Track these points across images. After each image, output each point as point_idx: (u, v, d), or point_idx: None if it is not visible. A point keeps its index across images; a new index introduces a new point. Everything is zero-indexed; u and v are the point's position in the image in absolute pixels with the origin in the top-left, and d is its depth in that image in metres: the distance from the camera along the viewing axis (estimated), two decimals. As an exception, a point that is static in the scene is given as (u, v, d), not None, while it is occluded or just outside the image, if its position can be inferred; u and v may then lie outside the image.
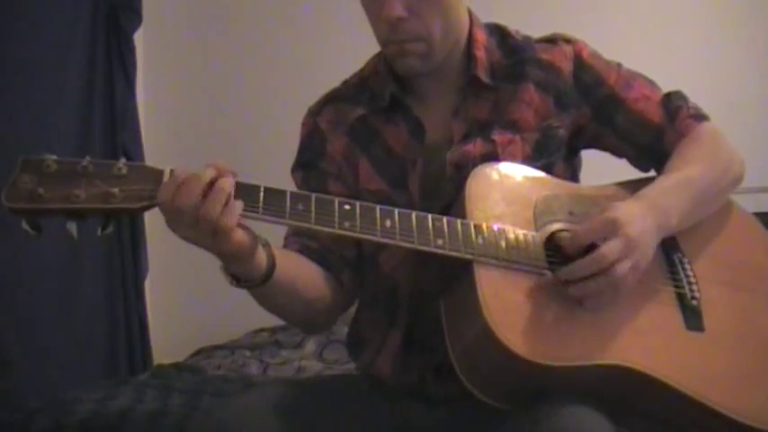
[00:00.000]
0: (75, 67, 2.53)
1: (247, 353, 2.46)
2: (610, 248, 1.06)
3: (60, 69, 2.46)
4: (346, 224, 1.06)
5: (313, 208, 1.05)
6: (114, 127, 2.68)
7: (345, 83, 1.39)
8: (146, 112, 2.98)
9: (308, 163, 1.35)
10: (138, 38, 2.84)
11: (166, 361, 2.42)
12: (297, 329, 2.56)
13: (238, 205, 1.00)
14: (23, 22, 2.28)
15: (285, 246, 1.27)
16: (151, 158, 2.82)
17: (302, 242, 1.26)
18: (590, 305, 1.09)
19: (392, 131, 1.30)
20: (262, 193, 1.04)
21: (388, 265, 1.27)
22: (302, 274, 1.21)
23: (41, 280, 2.29)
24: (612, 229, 1.08)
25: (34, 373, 2.19)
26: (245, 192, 1.03)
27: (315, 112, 1.38)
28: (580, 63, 1.30)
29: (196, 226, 0.99)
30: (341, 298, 1.28)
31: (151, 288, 2.90)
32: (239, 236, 1.01)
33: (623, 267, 1.07)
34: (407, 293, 1.26)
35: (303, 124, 1.39)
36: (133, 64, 2.78)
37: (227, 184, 1.00)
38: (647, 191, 1.18)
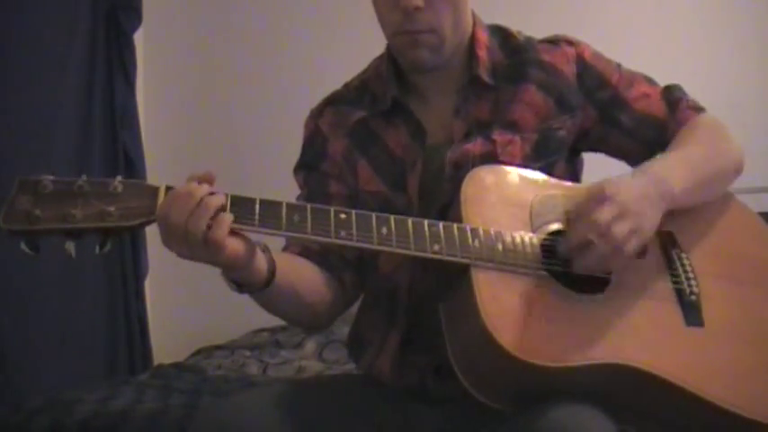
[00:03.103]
0: (75, 67, 2.53)
1: (247, 353, 2.46)
2: (600, 211, 1.07)
3: (60, 69, 2.47)
4: (342, 233, 1.07)
5: (309, 218, 1.06)
6: (114, 127, 2.68)
7: (346, 85, 1.40)
8: (146, 112, 2.98)
9: (310, 164, 1.36)
10: (138, 38, 2.84)
11: (166, 361, 2.42)
12: (298, 329, 2.58)
13: (228, 218, 1.01)
14: (23, 23, 2.28)
15: (286, 248, 1.28)
16: (151, 159, 2.82)
17: (303, 244, 1.26)
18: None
19: (392, 134, 1.30)
20: (258, 206, 1.04)
21: (387, 266, 1.28)
22: (303, 277, 1.22)
23: (42, 280, 2.29)
24: (601, 198, 1.08)
25: (34, 373, 2.19)
26: (240, 205, 1.04)
27: (316, 114, 1.38)
28: (583, 65, 1.30)
29: (185, 241, 1.00)
30: (341, 298, 1.29)
31: (151, 288, 2.90)
32: (233, 246, 1.02)
33: (621, 229, 1.07)
34: (406, 294, 1.26)
35: (305, 126, 1.40)
36: (133, 64, 2.78)
37: (214, 201, 1.01)
38: (646, 165, 1.18)
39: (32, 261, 2.16)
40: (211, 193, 1.02)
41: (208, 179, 1.03)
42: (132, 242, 2.72)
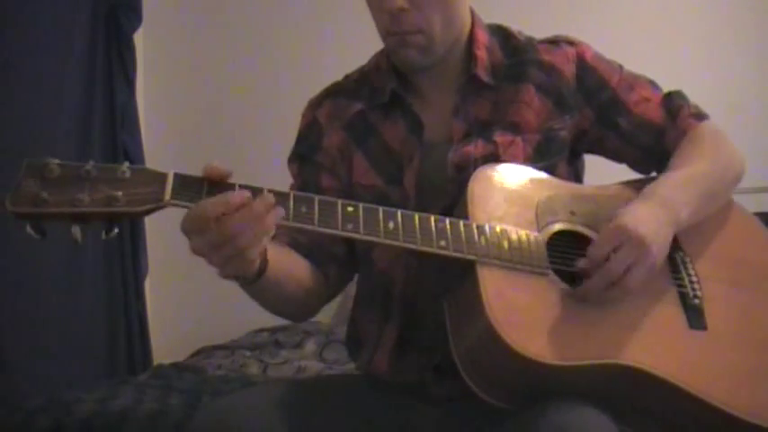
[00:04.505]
0: (75, 67, 2.53)
1: (247, 353, 2.45)
2: (619, 260, 1.07)
3: (60, 69, 2.47)
4: (349, 226, 1.06)
5: (316, 210, 1.05)
6: (114, 127, 2.69)
7: (347, 77, 1.40)
8: (146, 112, 2.98)
9: (304, 155, 1.36)
10: (138, 38, 2.84)
11: (166, 361, 2.41)
12: (298, 329, 2.58)
13: (266, 240, 1.00)
14: (23, 22, 2.28)
15: (275, 236, 1.27)
16: (151, 158, 2.82)
17: (291, 235, 1.26)
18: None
19: (390, 128, 1.30)
20: None
21: (381, 262, 1.28)
22: (292, 270, 1.22)
23: (41, 280, 2.29)
24: (621, 235, 1.08)
25: (34, 373, 2.19)
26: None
27: (315, 104, 1.38)
28: (583, 66, 1.30)
29: (220, 248, 0.97)
30: (324, 292, 1.30)
31: (151, 288, 2.90)
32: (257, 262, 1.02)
33: (638, 274, 1.08)
34: (401, 289, 1.26)
35: (303, 116, 1.40)
36: (133, 64, 2.78)
37: (273, 220, 0.99)
38: (654, 187, 1.18)
39: (32, 261, 2.17)
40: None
41: (225, 174, 1.01)
42: (132, 242, 2.72)
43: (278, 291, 1.18)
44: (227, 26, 3.16)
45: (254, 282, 1.10)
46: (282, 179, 1.41)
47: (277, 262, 1.13)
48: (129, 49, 2.76)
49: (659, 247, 1.10)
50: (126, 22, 2.74)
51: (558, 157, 1.28)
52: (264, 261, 1.10)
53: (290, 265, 1.22)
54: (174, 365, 2.30)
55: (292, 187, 1.35)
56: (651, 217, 1.11)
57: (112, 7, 2.71)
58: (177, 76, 3.14)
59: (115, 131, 2.69)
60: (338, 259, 1.29)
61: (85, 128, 2.56)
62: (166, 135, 3.04)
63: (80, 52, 2.57)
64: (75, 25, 2.55)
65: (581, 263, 1.11)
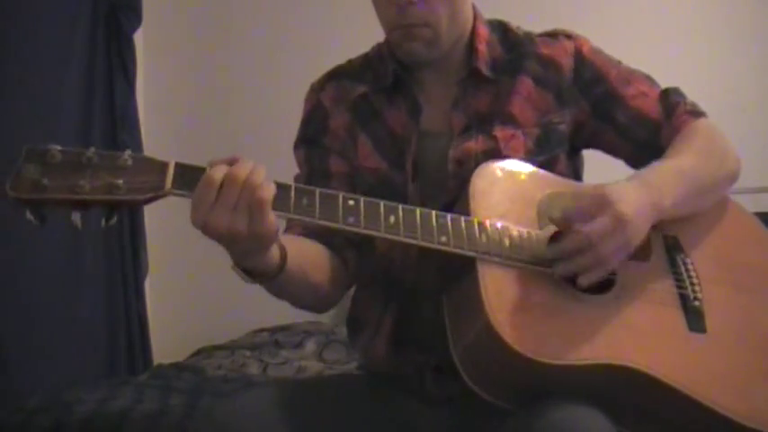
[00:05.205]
0: (75, 67, 2.54)
1: (247, 353, 2.46)
2: (593, 227, 1.06)
3: (60, 69, 2.47)
4: (350, 219, 1.06)
5: (317, 203, 1.05)
6: (114, 127, 2.69)
7: (350, 62, 1.40)
8: (146, 112, 2.98)
9: (311, 138, 1.35)
10: (138, 38, 2.84)
11: (166, 361, 2.42)
12: (298, 329, 2.58)
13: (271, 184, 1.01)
14: (23, 22, 2.28)
15: (288, 228, 1.27)
16: (151, 158, 2.82)
17: (304, 224, 1.25)
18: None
19: (393, 112, 1.30)
20: None
21: (383, 245, 1.27)
22: (311, 259, 1.21)
23: (41, 280, 2.29)
24: (602, 204, 1.08)
25: (34, 373, 2.19)
26: None
27: (318, 87, 1.38)
28: (580, 59, 1.31)
29: (236, 203, 0.97)
30: (346, 278, 1.28)
31: (151, 288, 2.90)
32: (272, 215, 1.00)
33: (609, 245, 1.06)
34: (400, 271, 1.26)
35: (306, 100, 1.39)
36: (133, 64, 2.78)
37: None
38: (641, 172, 1.18)
39: (32, 261, 2.17)
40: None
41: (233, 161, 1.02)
42: (132, 241, 2.72)
43: (304, 279, 1.17)
44: (226, 26, 3.16)
45: (278, 275, 1.09)
46: (283, 178, 1.41)
47: (296, 249, 1.13)
48: (129, 49, 2.77)
49: (636, 228, 1.09)
50: (126, 22, 2.74)
51: (559, 150, 1.28)
52: (283, 256, 1.09)
53: (308, 255, 1.21)
54: (174, 365, 2.31)
55: (298, 176, 1.35)
56: (635, 198, 1.10)
57: (112, 7, 2.71)
58: (177, 76, 3.14)
59: (115, 131, 2.69)
60: (354, 242, 1.28)
61: (85, 128, 2.56)
62: (166, 135, 3.04)
63: (80, 52, 2.57)
64: (76, 25, 2.56)
65: (555, 217, 1.10)
